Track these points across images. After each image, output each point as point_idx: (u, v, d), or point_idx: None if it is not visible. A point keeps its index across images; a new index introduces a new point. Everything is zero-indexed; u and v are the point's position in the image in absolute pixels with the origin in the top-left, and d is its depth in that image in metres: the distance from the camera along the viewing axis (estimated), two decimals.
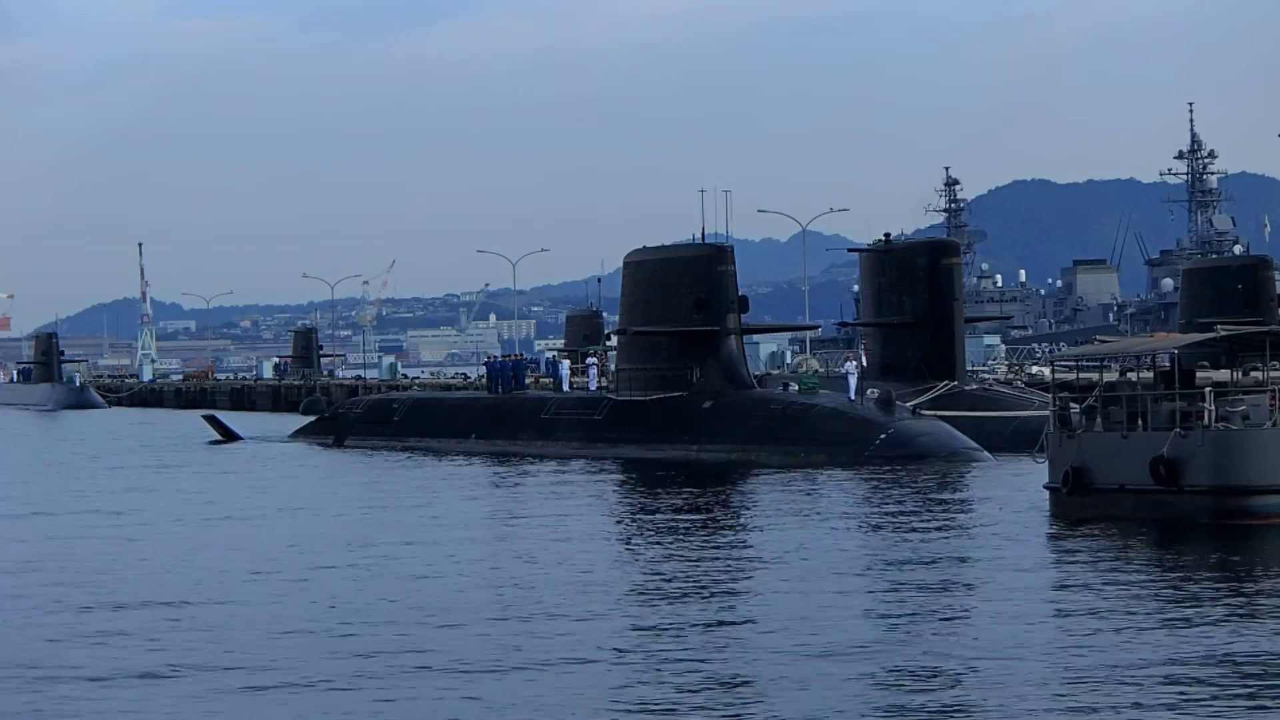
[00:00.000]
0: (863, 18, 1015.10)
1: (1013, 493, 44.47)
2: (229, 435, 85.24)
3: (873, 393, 61.79)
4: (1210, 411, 36.60)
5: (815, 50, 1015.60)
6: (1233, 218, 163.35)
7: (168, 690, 21.88)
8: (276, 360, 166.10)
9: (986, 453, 57.17)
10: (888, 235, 75.40)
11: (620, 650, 23.89)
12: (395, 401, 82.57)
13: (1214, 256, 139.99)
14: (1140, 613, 26.00)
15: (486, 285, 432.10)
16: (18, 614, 28.25)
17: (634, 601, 28.39)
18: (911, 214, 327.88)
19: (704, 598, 28.50)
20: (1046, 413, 42.40)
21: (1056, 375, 47.50)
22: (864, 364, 72.68)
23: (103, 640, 25.54)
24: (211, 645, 24.88)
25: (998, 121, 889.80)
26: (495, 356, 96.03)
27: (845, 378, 66.26)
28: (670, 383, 65.12)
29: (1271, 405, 36.32)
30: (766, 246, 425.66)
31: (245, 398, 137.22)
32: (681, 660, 23.01)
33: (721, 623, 25.97)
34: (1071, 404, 40.68)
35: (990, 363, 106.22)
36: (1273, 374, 39.34)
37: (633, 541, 37.84)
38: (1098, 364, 53.65)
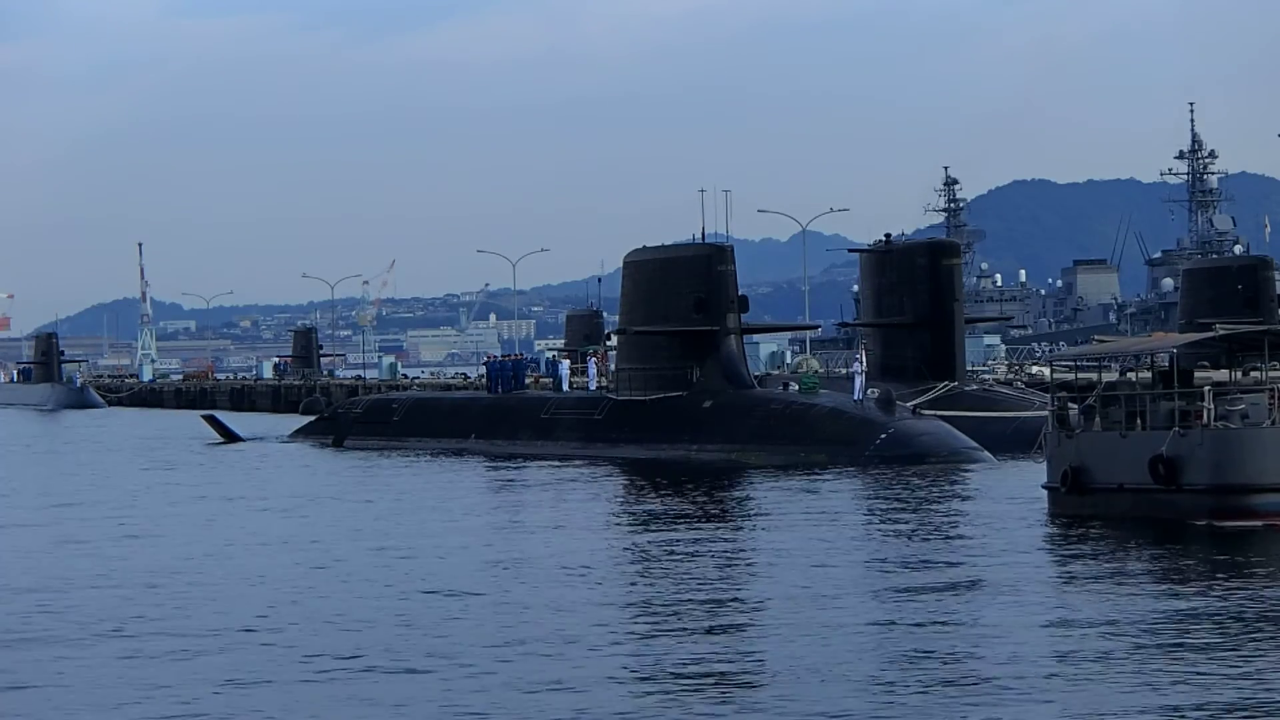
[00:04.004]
0: (863, 18, 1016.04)
1: (1013, 492, 44.49)
2: (229, 436, 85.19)
3: (873, 393, 61.82)
4: (1209, 410, 36.62)
5: (815, 50, 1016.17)
6: (1233, 218, 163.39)
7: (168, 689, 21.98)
8: (276, 360, 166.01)
9: (986, 453, 57.16)
10: (888, 235, 75.43)
11: (619, 650, 23.90)
12: (395, 401, 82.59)
13: (1214, 256, 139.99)
14: (1139, 610, 26.01)
15: (486, 285, 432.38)
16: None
17: (634, 601, 28.40)
18: (911, 214, 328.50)
19: (703, 598, 28.51)
20: (1046, 413, 42.40)
21: (1055, 375, 47.50)
22: (864, 364, 72.66)
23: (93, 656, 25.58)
24: (211, 651, 24.93)
25: (998, 121, 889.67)
26: (495, 356, 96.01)
27: (853, 377, 66.02)
28: (670, 382, 65.12)
29: (1270, 404, 36.35)
30: (766, 246, 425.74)
31: (245, 398, 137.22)
32: (681, 660, 23.02)
33: (720, 623, 25.97)
34: (1070, 404, 40.69)
35: (990, 363, 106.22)
36: (1271, 374, 39.38)
37: (632, 541, 37.82)
38: (1097, 364, 53.63)
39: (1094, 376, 49.69)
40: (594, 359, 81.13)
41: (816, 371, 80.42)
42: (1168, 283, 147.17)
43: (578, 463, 61.60)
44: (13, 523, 44.87)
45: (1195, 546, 33.56)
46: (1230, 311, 73.94)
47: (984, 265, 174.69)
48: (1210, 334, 42.97)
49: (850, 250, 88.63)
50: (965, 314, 76.01)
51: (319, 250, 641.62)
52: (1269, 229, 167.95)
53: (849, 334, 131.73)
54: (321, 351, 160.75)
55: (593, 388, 75.56)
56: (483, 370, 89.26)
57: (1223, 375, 41.93)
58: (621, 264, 69.13)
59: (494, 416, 72.82)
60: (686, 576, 30.96)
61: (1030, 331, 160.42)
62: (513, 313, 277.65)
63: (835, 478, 52.04)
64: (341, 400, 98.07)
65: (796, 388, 65.53)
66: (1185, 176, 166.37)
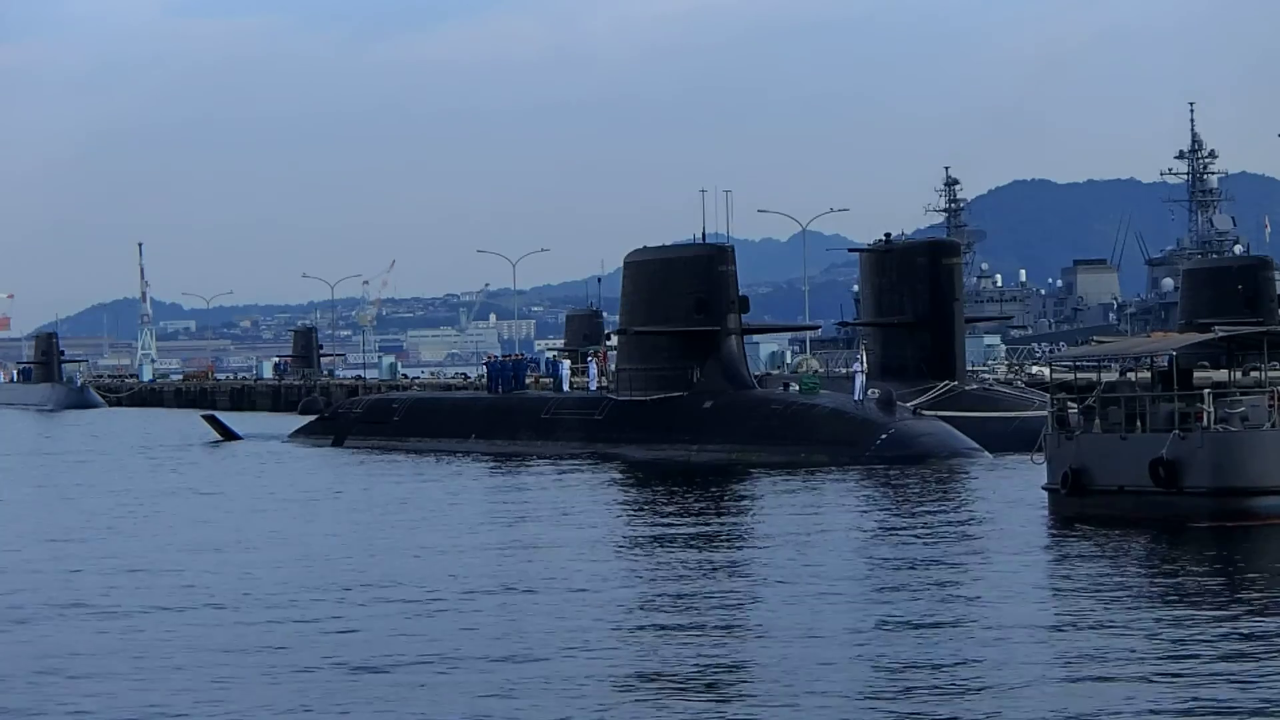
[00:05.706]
0: (863, 19, 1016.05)
1: (1013, 494, 44.48)
2: (229, 435, 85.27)
3: (873, 393, 61.82)
4: (1209, 413, 36.61)
5: (815, 51, 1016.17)
6: (1233, 218, 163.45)
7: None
8: (276, 360, 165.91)
9: (987, 453, 57.18)
10: (888, 235, 75.45)
11: (618, 650, 23.91)
12: (395, 401, 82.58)
13: (1214, 256, 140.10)
14: (1139, 613, 26.01)
15: (486, 285, 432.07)
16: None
17: (632, 601, 28.40)
18: (911, 214, 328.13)
19: (701, 598, 28.51)
20: (1046, 413, 42.39)
21: (1055, 376, 47.49)
22: (864, 364, 72.67)
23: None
24: (200, 659, 24.95)
25: (998, 122, 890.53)
26: (495, 356, 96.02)
27: (853, 377, 65.97)
28: (670, 383, 65.11)
29: (1270, 406, 36.35)
30: (766, 246, 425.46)
31: (245, 398, 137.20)
32: (679, 661, 23.02)
33: (718, 624, 25.97)
34: (1070, 405, 40.67)
35: (990, 363, 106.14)
36: (1271, 374, 39.38)
37: (632, 542, 37.83)
38: (1096, 364, 53.61)
39: (1093, 377, 49.65)
40: (594, 359, 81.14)
41: (816, 371, 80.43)
42: (1168, 283, 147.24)
43: (578, 463, 61.60)
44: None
45: (1195, 549, 33.53)
46: (1230, 312, 74.01)
47: (984, 265, 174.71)
48: (1210, 335, 42.93)
49: (850, 250, 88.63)
50: (965, 314, 76.02)
51: (319, 250, 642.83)
52: (1269, 229, 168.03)
53: (849, 334, 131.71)
54: (321, 351, 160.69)
55: (593, 388, 75.56)
56: (483, 370, 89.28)
57: (1222, 375, 41.93)
58: (622, 264, 69.14)
59: (494, 417, 72.81)
60: (684, 576, 30.95)
61: (1030, 331, 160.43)
62: (513, 313, 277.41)
63: (836, 478, 52.02)
64: (341, 400, 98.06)
65: (797, 388, 65.53)
66: (1185, 176, 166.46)
